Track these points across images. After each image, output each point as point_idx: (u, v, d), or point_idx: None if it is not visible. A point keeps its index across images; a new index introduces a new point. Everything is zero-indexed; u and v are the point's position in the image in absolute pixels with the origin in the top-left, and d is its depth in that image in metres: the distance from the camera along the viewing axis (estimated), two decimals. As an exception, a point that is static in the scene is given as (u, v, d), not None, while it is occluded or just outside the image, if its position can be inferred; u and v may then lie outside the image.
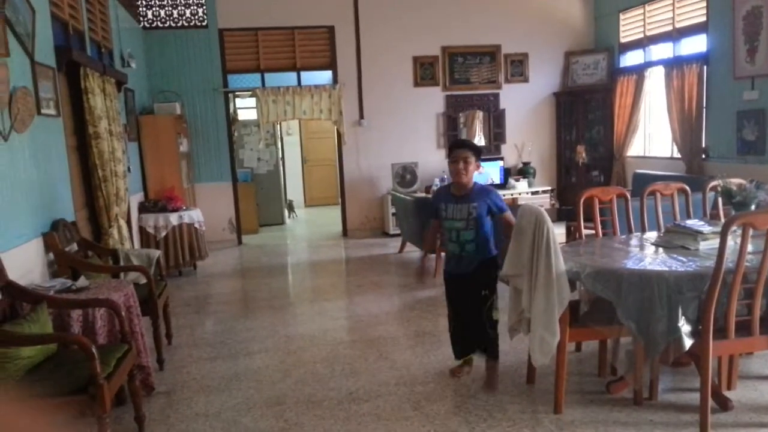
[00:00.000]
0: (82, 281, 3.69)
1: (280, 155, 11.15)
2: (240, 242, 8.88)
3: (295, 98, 8.50)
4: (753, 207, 3.39)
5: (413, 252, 7.44)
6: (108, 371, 2.82)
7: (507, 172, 8.87)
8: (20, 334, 2.85)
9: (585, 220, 3.97)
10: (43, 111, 4.25)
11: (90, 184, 5.31)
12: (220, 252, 8.20)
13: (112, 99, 5.65)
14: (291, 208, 11.61)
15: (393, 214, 8.48)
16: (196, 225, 7.05)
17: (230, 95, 8.78)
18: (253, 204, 9.88)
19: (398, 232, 8.07)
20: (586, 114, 9.16)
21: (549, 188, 8.95)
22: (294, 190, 12.62)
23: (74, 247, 4.49)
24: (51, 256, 4.11)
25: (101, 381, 2.67)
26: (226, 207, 8.73)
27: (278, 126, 11.06)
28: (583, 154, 8.42)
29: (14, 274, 3.28)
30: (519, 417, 3.15)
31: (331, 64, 8.74)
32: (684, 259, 3.03)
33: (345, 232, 9.15)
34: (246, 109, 10.59)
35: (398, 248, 7.74)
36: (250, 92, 8.75)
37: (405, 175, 8.75)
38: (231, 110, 8.86)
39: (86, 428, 3.19)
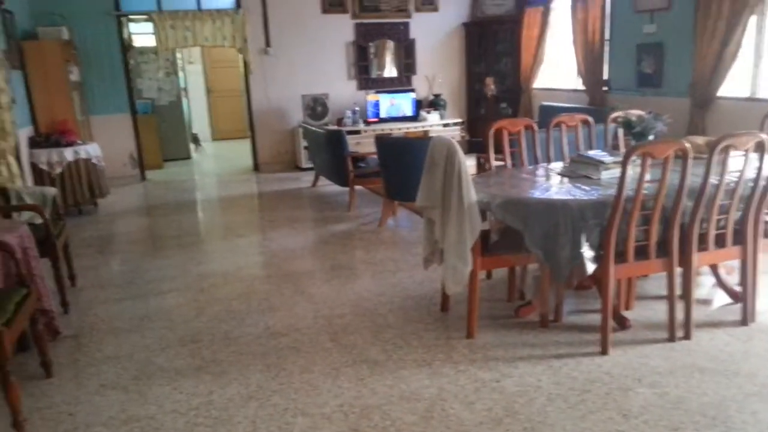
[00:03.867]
0: (-31, 223, 3.40)
1: (182, 85, 10.59)
2: (143, 178, 8.48)
3: (196, 23, 8.00)
4: (651, 137, 3.56)
5: (327, 186, 7.38)
6: (6, 317, 2.65)
7: (418, 104, 8.88)
8: None
9: (494, 152, 4.05)
10: None
11: (-30, 117, 4.85)
12: (122, 189, 7.81)
13: (-12, 22, 5.10)
14: (197, 142, 11.17)
15: (305, 148, 8.34)
16: (94, 160, 6.65)
17: (123, 19, 8.14)
18: (155, 137, 9.40)
19: (311, 165, 7.97)
20: (495, 45, 9.24)
21: (459, 120, 9.05)
22: (200, 122, 12.11)
23: (-43, 186, 4.12)
24: (-70, 196, 3.75)
25: (-1, 328, 2.51)
26: (126, 141, 8.25)
27: (179, 54, 10.45)
28: (492, 86, 8.52)
29: None
30: (434, 343, 3.26)
31: (234, -13, 8.27)
32: (587, 188, 3.16)
33: (256, 167, 8.92)
34: (142, 35, 9.88)
35: (311, 182, 7.66)
36: (145, 16, 8.14)
37: (316, 107, 8.57)
38: (125, 36, 8.24)
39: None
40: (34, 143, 6.50)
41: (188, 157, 10.46)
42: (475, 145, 8.25)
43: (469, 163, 3.60)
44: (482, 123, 8.45)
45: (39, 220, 3.95)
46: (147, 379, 3.03)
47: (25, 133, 6.40)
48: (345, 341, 3.34)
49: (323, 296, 4.02)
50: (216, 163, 10.40)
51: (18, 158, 5.60)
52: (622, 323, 3.33)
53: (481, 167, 7.17)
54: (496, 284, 4.02)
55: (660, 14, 6.40)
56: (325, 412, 2.66)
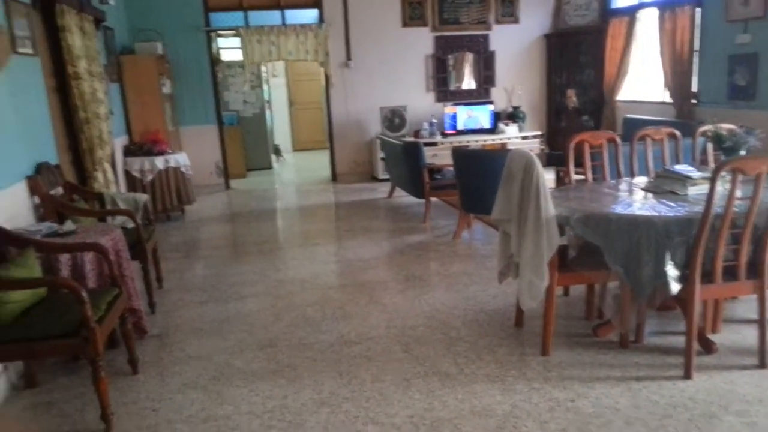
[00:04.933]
0: (68, 225, 3.65)
1: (266, 97, 10.96)
2: (228, 186, 8.81)
3: (280, 38, 8.28)
4: (743, 152, 3.38)
5: (403, 197, 7.43)
6: (99, 314, 2.82)
7: (497, 117, 8.80)
8: (10, 277, 2.83)
9: (575, 165, 3.96)
10: (19, 50, 4.11)
11: (72, 127, 5.20)
12: (207, 196, 8.15)
13: (90, 38, 5.47)
14: (278, 152, 11.50)
15: (382, 159, 8.42)
16: (183, 169, 6.97)
17: (212, 35, 8.53)
18: (239, 148, 9.77)
19: (387, 176, 8.04)
20: (577, 56, 9.04)
21: (539, 133, 8.90)
22: (281, 133, 12.47)
23: (59, 190, 4.43)
24: (36, 200, 4.04)
25: (92, 324, 2.67)
26: (212, 150, 8.62)
27: (264, 67, 10.82)
28: (574, 98, 8.35)
29: (-1, 219, 3.24)
30: (507, 359, 3.21)
31: (317, 2, 8.49)
32: (673, 204, 3.04)
33: (334, 177, 9.10)
34: (229, 49, 10.33)
35: (387, 193, 7.72)
36: (233, 31, 8.51)
37: (393, 119, 8.66)
38: (214, 50, 8.63)
39: (81, 370, 3.24)
40: (128, 152, 6.89)
41: (270, 167, 10.80)
42: (554, 158, 8.07)
43: (548, 177, 3.54)
44: (562, 136, 8.27)
45: (131, 225, 4.19)
46: (225, 380, 3.15)
47: (120, 142, 6.81)
48: (417, 352, 3.34)
49: (397, 306, 4.04)
50: (296, 173, 10.67)
51: (113, 165, 5.95)
52: (708, 347, 3.17)
53: (560, 181, 7.02)
54: (574, 301, 3.91)
55: (755, 23, 6.08)
56: (395, 422, 2.67)
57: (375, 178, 8.85)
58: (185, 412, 2.85)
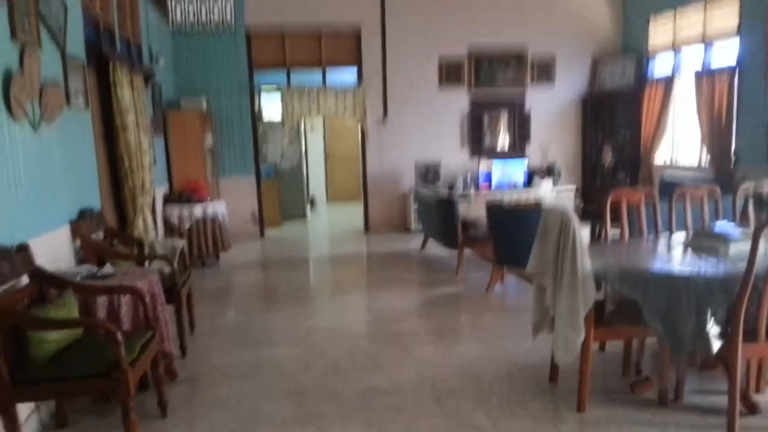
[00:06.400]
0: (107, 268, 3.73)
1: (303, 151, 11.19)
2: (262, 235, 8.93)
3: (320, 97, 8.52)
4: (785, 210, 3.31)
5: (435, 249, 7.41)
6: (132, 357, 2.84)
7: (531, 173, 8.81)
8: (47, 318, 2.90)
9: (611, 221, 3.91)
10: (73, 103, 4.31)
11: (116, 175, 5.38)
12: (242, 244, 8.25)
13: (139, 92, 5.71)
14: (313, 203, 11.65)
15: (416, 211, 8.46)
16: (220, 217, 7.10)
17: (256, 90, 8.83)
18: (275, 198, 9.94)
19: (420, 228, 8.05)
20: (613, 117, 9.04)
21: (573, 186, 8.85)
22: (317, 185, 12.65)
23: (100, 235, 4.55)
24: (78, 243, 4.16)
25: (125, 366, 2.70)
26: (249, 200, 8.80)
27: (302, 121, 11.10)
28: (609, 155, 8.32)
29: (42, 261, 3.33)
30: (541, 415, 3.12)
31: (357, 61, 8.75)
32: (714, 262, 2.97)
33: (367, 228, 9.15)
34: (271, 104, 10.65)
35: (420, 245, 7.72)
36: (275, 87, 8.78)
37: (428, 173, 8.76)
38: (256, 107, 8.91)
39: (111, 412, 3.25)
40: (168, 199, 7.07)
41: (304, 216, 10.93)
42: (589, 213, 7.99)
43: (583, 232, 3.50)
44: (597, 192, 8.20)
45: (167, 269, 4.26)
46: (253, 426, 3.12)
47: (161, 190, 7.00)
48: (448, 405, 3.27)
49: (428, 358, 3.99)
50: (329, 223, 10.76)
51: (153, 213, 6.11)
52: (752, 408, 3.03)
53: (596, 236, 6.94)
54: (611, 357, 3.80)
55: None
56: (424, 477, 2.60)
57: (407, 230, 8.87)
58: (212, 457, 2.83)
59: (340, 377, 3.72)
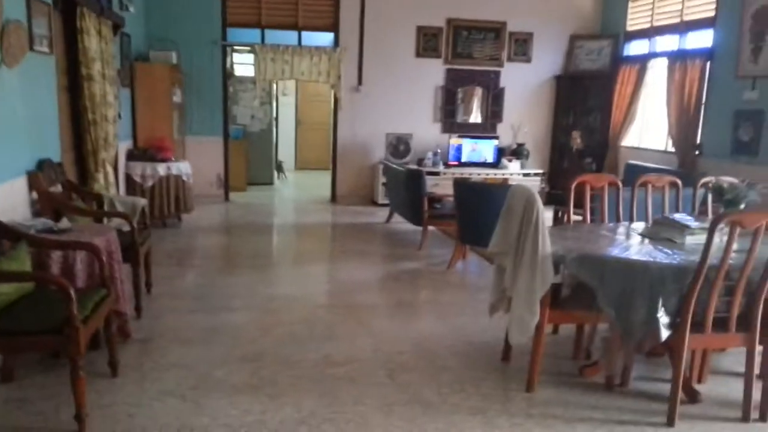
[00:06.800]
0: (64, 223, 3.65)
1: (274, 115, 11.02)
2: (227, 199, 8.81)
3: (294, 58, 8.36)
4: (742, 206, 3.39)
5: (400, 223, 7.43)
6: (85, 314, 2.79)
7: (500, 152, 8.85)
8: (3, 270, 2.82)
9: (574, 206, 3.97)
10: (36, 48, 4.15)
11: (79, 127, 5.22)
12: (206, 207, 8.14)
13: (107, 42, 5.53)
14: (280, 169, 11.53)
15: (383, 184, 8.44)
16: (184, 177, 6.98)
17: (228, 49, 8.62)
18: (242, 161, 9.79)
19: (386, 202, 8.05)
20: (585, 100, 9.11)
21: (540, 171, 8.95)
22: (285, 151, 12.52)
23: (59, 188, 4.43)
24: (34, 195, 4.04)
25: (77, 323, 2.65)
26: (216, 162, 8.65)
27: (275, 85, 10.91)
28: (578, 140, 8.40)
29: (-5, 210, 3.23)
30: (491, 392, 3.18)
31: (334, 27, 8.60)
32: (669, 252, 3.03)
33: (334, 198, 9.11)
34: (243, 64, 10.44)
35: (385, 218, 7.73)
36: (248, 48, 8.59)
37: (399, 145, 8.72)
38: (228, 65, 8.71)
39: (60, 368, 3.20)
40: (131, 156, 6.91)
41: (271, 182, 10.81)
42: (554, 197, 8.09)
43: (547, 215, 3.54)
44: (564, 176, 8.29)
45: (127, 228, 4.17)
46: (205, 390, 3.10)
47: (124, 145, 6.83)
48: (401, 379, 3.31)
49: (385, 331, 4.01)
50: (296, 190, 10.69)
51: (115, 168, 5.97)
52: (693, 396, 3.14)
53: (559, 220, 7.03)
54: (563, 340, 3.88)
55: (764, 81, 6.15)
56: (373, 448, 2.63)
57: (374, 203, 8.86)
58: (161, 419, 2.81)
59: (296, 346, 3.72)
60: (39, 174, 4.09)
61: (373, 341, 3.83)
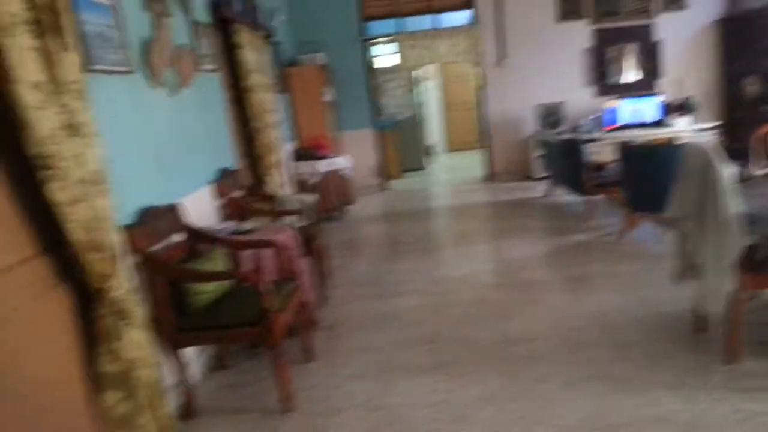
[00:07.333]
0: (250, 224, 3.97)
1: (419, 100, 11.14)
2: (385, 187, 9.09)
3: (434, 42, 8.38)
4: None
5: (560, 196, 7.20)
6: (278, 306, 3.04)
7: (666, 108, 8.21)
8: (204, 271, 3.15)
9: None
10: (203, 67, 4.55)
11: (246, 135, 5.65)
12: (367, 197, 8.45)
13: (261, 53, 5.91)
14: (430, 153, 11.65)
15: (539, 157, 8.21)
16: (345, 171, 7.29)
17: (367, 43, 8.85)
18: (396, 150, 10.03)
19: (543, 176, 7.82)
20: (756, 41, 8.16)
21: (715, 124, 8.18)
22: (435, 135, 12.61)
23: (239, 193, 4.83)
24: (220, 201, 4.45)
25: (272, 314, 2.89)
26: (370, 153, 8.94)
27: (418, 70, 11.02)
28: (754, 87, 7.57)
29: (190, 219, 3.60)
30: (686, 365, 2.99)
31: (469, 3, 8.48)
32: None
33: (489, 176, 9.03)
34: (383, 56, 10.65)
35: (544, 192, 7.52)
36: (386, 39, 8.75)
37: (550, 116, 8.42)
38: (369, 59, 8.95)
39: (264, 356, 3.51)
40: (298, 156, 7.35)
41: (423, 168, 10.96)
42: (735, 151, 7.37)
43: (730, 172, 3.25)
44: (742, 128, 7.52)
45: (301, 224, 4.46)
46: (391, 372, 3.25)
47: (289, 147, 7.28)
48: (585, 355, 3.23)
49: (560, 307, 3.93)
50: (449, 173, 10.73)
51: (283, 169, 6.38)
52: None
53: (745, 176, 6.41)
54: (763, 305, 3.55)
55: None
56: (566, 425, 2.60)
57: (529, 178, 8.65)
58: (355, 399, 2.99)
59: (471, 326, 3.76)
60: (222, 182, 4.49)
61: (550, 318, 3.77)
